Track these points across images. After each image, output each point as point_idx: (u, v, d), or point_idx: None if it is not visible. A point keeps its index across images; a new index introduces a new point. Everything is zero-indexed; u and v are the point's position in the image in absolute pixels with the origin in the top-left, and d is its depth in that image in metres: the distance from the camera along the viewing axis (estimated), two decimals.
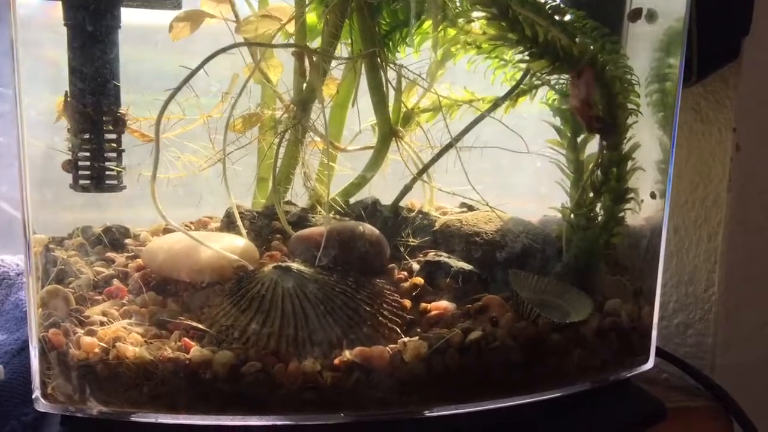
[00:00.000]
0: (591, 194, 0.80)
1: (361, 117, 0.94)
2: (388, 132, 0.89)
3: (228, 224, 0.85)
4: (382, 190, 0.96)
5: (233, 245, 0.78)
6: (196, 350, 0.66)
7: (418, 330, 0.72)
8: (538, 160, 1.04)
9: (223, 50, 0.72)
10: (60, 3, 0.79)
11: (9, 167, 1.35)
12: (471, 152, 0.86)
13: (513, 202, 0.91)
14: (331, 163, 0.89)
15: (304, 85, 0.84)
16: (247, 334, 0.68)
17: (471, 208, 0.93)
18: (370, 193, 0.95)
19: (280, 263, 0.72)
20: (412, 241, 0.81)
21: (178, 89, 0.70)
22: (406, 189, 0.85)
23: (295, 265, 0.72)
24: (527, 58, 0.73)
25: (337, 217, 0.84)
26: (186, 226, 0.91)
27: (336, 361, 0.67)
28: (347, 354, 0.67)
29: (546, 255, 0.81)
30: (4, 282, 1.02)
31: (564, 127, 0.89)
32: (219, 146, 0.84)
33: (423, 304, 0.74)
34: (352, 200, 0.92)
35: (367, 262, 0.77)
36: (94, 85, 0.81)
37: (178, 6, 0.89)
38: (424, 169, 0.85)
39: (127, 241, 0.87)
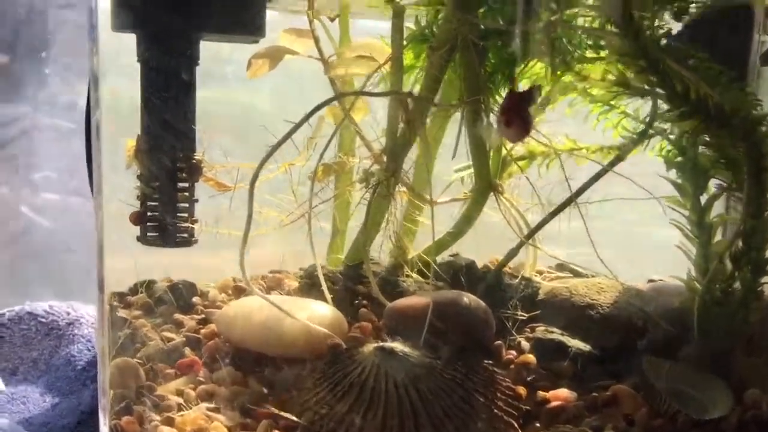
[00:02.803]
0: (728, 264, 0.70)
1: (453, 166, 0.86)
2: (487, 185, 0.79)
3: (309, 287, 0.76)
4: (470, 247, 0.87)
5: (320, 315, 0.69)
6: None
7: (537, 425, 0.62)
8: (645, 216, 0.95)
9: (328, 102, 0.63)
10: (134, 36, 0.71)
11: (29, 170, 1.29)
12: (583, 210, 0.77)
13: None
14: (420, 218, 0.81)
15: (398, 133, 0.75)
16: (345, 426, 0.59)
17: (575, 273, 0.84)
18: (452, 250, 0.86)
19: (382, 345, 0.62)
20: (522, 316, 0.71)
21: (277, 146, 0.61)
22: (513, 253, 0.75)
23: (398, 347, 0.63)
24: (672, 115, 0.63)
25: (430, 282, 0.75)
26: (258, 283, 0.82)
27: None
28: None
29: (675, 334, 0.71)
30: (53, 332, 0.94)
31: (685, 183, 0.79)
32: (300, 197, 0.76)
33: (540, 393, 0.65)
34: (438, 259, 0.84)
35: (474, 339, 0.68)
36: (168, 128, 0.72)
37: (257, 39, 0.81)
38: (535, 230, 0.75)
39: (195, 299, 0.79)
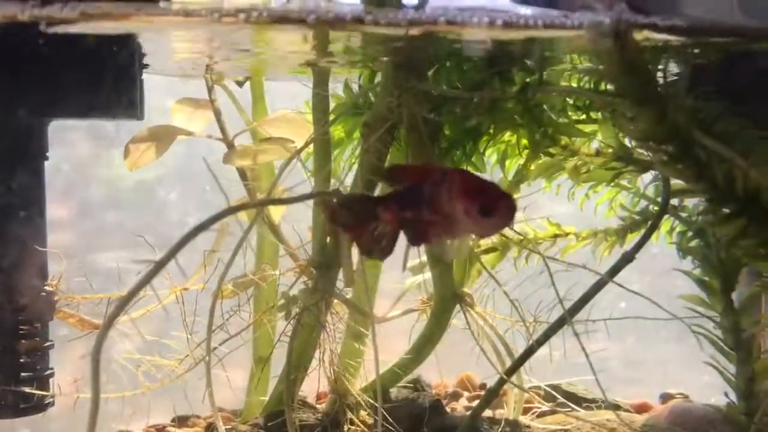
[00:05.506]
0: None
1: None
2: (449, 294, 0.60)
3: None
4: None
5: None
6: None
7: None
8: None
9: (230, 212, 0.42)
10: None
11: None
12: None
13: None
14: (361, 345, 0.60)
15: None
16: None
17: (574, 400, 0.64)
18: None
19: None
20: None
21: (139, 287, 0.40)
22: (491, 395, 0.55)
23: None
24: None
25: None
26: None
27: None
28: None
29: None
30: None
31: (711, 278, 0.60)
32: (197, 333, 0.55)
33: None
34: (394, 392, 0.64)
35: None
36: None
37: (140, 116, 0.61)
38: (520, 362, 0.55)
39: None
